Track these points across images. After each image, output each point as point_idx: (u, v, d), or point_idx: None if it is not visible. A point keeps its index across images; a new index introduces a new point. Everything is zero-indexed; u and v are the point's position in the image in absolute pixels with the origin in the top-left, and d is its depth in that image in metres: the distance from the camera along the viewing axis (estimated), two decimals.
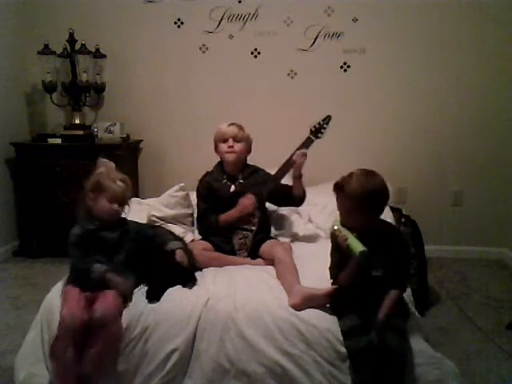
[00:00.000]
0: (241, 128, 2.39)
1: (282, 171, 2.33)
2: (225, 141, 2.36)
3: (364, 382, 1.55)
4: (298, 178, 2.29)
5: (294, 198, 2.34)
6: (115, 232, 1.89)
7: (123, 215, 1.97)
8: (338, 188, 1.60)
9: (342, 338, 1.59)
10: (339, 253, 1.66)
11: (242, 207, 2.27)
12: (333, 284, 1.71)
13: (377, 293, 1.60)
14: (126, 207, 1.96)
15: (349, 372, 1.57)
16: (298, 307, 1.67)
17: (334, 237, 1.69)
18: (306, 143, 2.33)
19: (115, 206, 1.88)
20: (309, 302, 1.68)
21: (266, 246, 2.21)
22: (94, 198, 1.90)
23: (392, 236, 1.68)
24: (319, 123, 2.36)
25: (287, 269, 1.93)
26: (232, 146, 2.34)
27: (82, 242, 1.85)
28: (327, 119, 2.36)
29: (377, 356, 1.53)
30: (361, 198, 1.54)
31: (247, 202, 2.27)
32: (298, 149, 2.31)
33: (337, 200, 1.64)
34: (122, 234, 1.90)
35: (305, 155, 2.26)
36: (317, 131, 2.35)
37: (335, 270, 1.71)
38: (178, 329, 1.67)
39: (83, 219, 1.93)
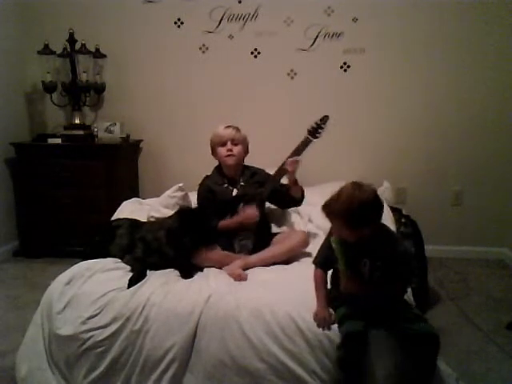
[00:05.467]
0: (238, 130, 2.39)
1: (279, 174, 2.34)
2: (223, 144, 2.36)
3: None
4: (293, 184, 2.32)
5: (294, 199, 2.38)
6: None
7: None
8: (325, 208, 1.59)
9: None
10: (329, 251, 1.70)
11: (245, 218, 2.24)
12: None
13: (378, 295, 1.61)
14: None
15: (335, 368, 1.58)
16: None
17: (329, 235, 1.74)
18: (304, 143, 2.32)
19: None
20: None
21: (281, 237, 2.26)
22: None
23: (389, 245, 1.64)
24: (316, 123, 2.34)
25: (274, 250, 2.12)
26: (231, 150, 2.34)
27: None
28: (325, 119, 2.35)
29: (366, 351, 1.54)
30: (346, 215, 1.53)
31: (251, 213, 2.24)
32: (295, 150, 2.31)
33: (328, 220, 1.64)
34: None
35: (296, 162, 2.26)
36: (314, 131, 2.34)
37: (319, 258, 1.77)
38: (178, 324, 1.69)
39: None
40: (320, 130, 2.33)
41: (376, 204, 1.56)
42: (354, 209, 1.51)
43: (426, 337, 1.54)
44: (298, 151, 2.31)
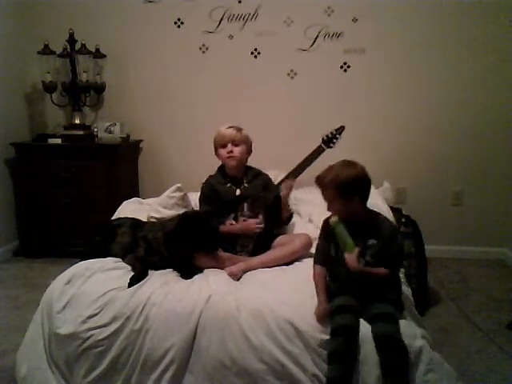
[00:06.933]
0: (239, 130, 2.36)
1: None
2: (224, 146, 2.33)
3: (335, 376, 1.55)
4: (284, 205, 2.32)
5: (281, 219, 2.38)
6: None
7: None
8: (319, 180, 1.71)
9: None
10: (325, 241, 1.78)
11: (246, 228, 2.23)
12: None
13: (370, 280, 1.64)
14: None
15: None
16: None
17: (324, 226, 1.80)
18: (317, 152, 2.31)
19: None
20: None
21: (283, 239, 2.22)
22: None
23: (379, 224, 1.71)
24: (332, 133, 2.33)
25: (276, 253, 2.09)
26: (231, 151, 2.31)
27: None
28: (340, 130, 2.34)
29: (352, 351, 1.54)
30: (335, 186, 1.64)
31: (253, 226, 2.23)
32: (306, 158, 2.30)
33: (321, 192, 1.74)
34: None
35: (291, 187, 2.29)
36: (329, 141, 2.32)
37: (318, 255, 1.81)
38: (178, 324, 1.69)
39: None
40: (335, 140, 2.32)
41: (364, 177, 1.66)
42: (343, 178, 1.63)
43: (382, 339, 1.54)
44: (309, 159, 2.31)
